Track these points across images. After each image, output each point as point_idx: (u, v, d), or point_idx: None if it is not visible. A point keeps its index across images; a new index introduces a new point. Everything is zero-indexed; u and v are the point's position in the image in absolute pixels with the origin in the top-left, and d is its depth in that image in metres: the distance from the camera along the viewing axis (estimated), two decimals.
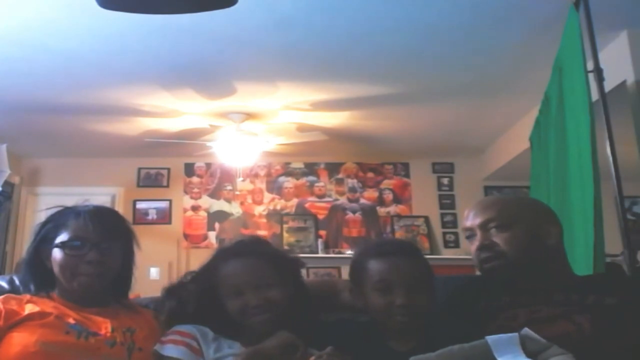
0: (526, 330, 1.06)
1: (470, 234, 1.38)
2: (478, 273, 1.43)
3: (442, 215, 5.67)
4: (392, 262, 1.27)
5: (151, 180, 5.69)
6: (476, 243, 1.35)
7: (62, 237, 1.28)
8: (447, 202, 5.72)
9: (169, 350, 1.19)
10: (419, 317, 1.24)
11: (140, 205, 5.58)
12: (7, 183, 4.83)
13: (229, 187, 5.71)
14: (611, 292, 1.25)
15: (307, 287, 1.38)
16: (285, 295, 1.25)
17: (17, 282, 1.44)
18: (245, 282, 1.24)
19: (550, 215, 1.40)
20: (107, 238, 1.29)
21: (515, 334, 1.05)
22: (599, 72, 2.35)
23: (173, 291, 1.34)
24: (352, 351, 1.12)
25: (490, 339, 1.05)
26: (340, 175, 5.80)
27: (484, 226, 1.35)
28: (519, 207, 1.39)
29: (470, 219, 1.38)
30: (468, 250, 1.43)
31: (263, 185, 5.74)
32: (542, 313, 1.27)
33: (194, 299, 1.29)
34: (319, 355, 1.08)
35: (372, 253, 1.31)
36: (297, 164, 5.80)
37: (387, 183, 5.79)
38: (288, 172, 5.79)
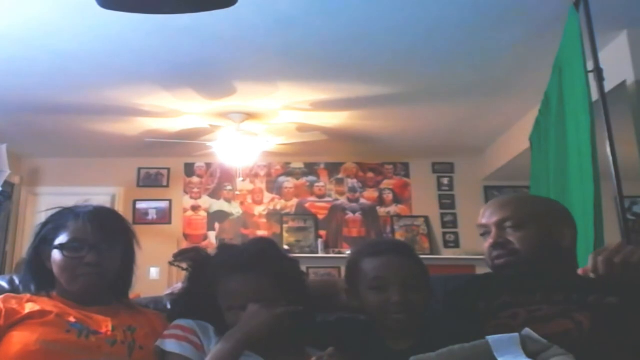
0: (527, 331, 1.06)
1: (485, 231, 1.40)
2: (478, 272, 1.44)
3: (442, 215, 5.66)
4: (386, 260, 1.28)
5: (151, 180, 5.69)
6: (490, 240, 1.37)
7: (61, 239, 1.27)
8: (447, 202, 5.71)
9: (171, 345, 1.18)
10: (415, 315, 1.24)
11: (140, 205, 5.58)
12: (7, 183, 4.82)
13: (229, 187, 5.71)
14: (612, 292, 1.25)
15: (308, 288, 1.36)
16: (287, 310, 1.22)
17: (17, 282, 1.44)
18: (248, 299, 1.21)
19: (567, 217, 1.41)
20: (106, 239, 1.28)
21: (516, 334, 1.05)
22: (599, 72, 2.34)
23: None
24: (352, 350, 1.12)
25: (491, 339, 1.04)
26: (340, 175, 5.80)
27: (499, 224, 1.36)
28: (535, 207, 1.40)
29: (486, 216, 1.40)
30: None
31: (263, 185, 5.73)
32: (542, 312, 1.27)
33: (194, 301, 1.30)
34: (319, 356, 1.08)
35: (366, 253, 1.32)
36: (297, 164, 5.80)
37: (387, 183, 5.79)
38: (288, 172, 5.79)
